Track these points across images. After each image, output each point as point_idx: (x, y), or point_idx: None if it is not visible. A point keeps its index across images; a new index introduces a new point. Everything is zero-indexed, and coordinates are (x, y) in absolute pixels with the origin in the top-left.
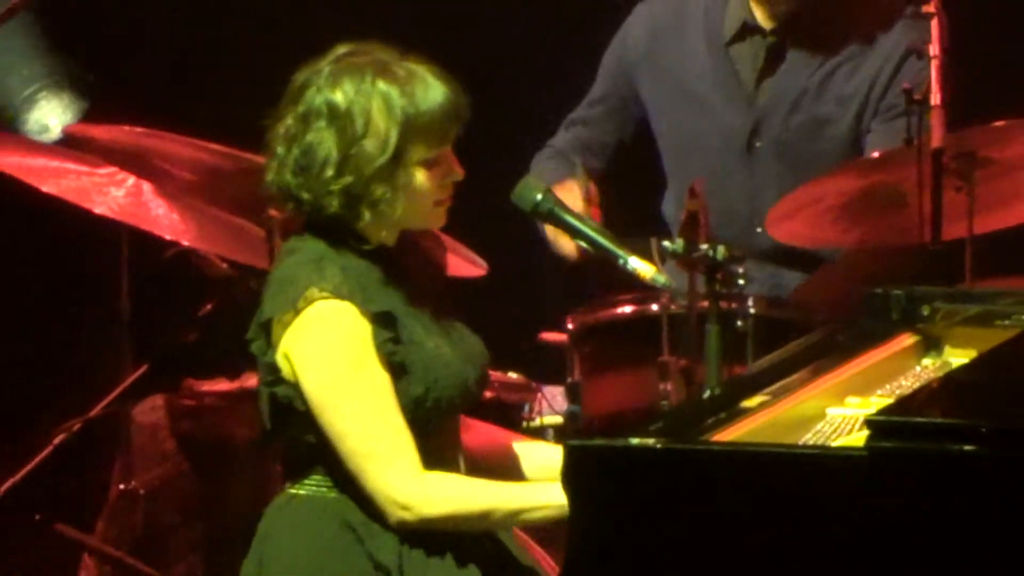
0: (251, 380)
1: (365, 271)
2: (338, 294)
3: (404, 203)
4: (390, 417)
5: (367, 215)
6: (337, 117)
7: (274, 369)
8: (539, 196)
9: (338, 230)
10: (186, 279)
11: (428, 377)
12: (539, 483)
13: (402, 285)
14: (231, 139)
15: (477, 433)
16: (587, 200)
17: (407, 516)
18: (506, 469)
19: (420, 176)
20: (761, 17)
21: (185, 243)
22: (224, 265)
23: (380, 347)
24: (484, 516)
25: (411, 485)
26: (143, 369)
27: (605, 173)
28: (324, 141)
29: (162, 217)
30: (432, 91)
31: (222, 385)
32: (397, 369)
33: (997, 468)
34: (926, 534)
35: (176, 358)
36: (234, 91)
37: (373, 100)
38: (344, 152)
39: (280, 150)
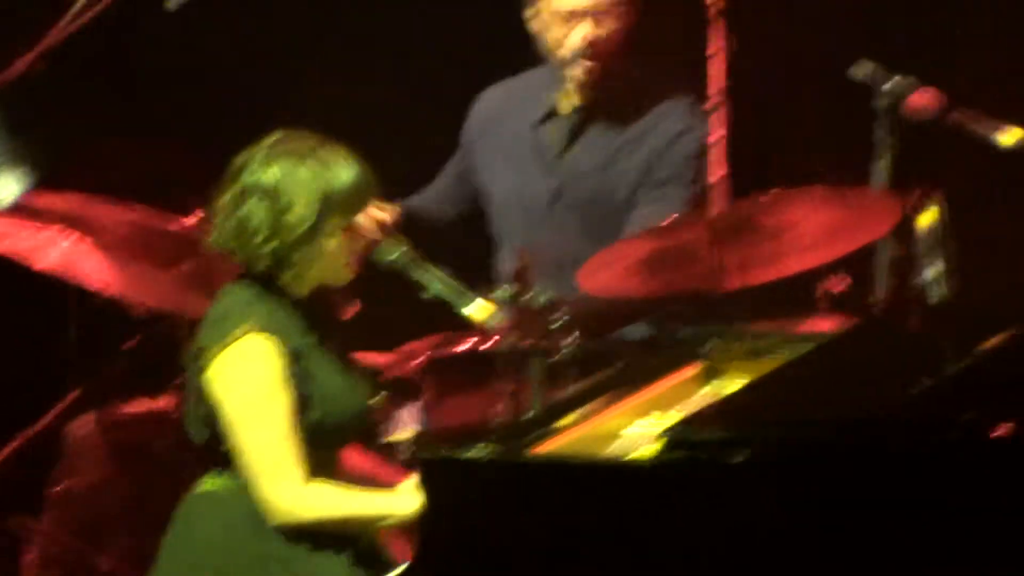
0: (164, 402)
1: (286, 315)
2: (265, 330)
3: (320, 264)
4: (283, 437)
5: (289, 273)
6: (267, 194)
7: (201, 388)
8: (396, 253)
9: (265, 282)
10: (114, 320)
11: (327, 407)
12: (394, 495)
13: (314, 329)
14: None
15: (358, 457)
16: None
17: (286, 519)
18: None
19: (335, 242)
20: (565, 104)
21: (114, 291)
22: (145, 309)
23: (291, 378)
24: (350, 521)
25: (290, 495)
26: (77, 393)
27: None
28: (256, 213)
29: (94, 270)
30: (346, 172)
31: (142, 405)
32: (302, 398)
33: (765, 474)
34: (713, 537)
35: (106, 384)
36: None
37: (299, 179)
38: (272, 222)
39: (220, 218)
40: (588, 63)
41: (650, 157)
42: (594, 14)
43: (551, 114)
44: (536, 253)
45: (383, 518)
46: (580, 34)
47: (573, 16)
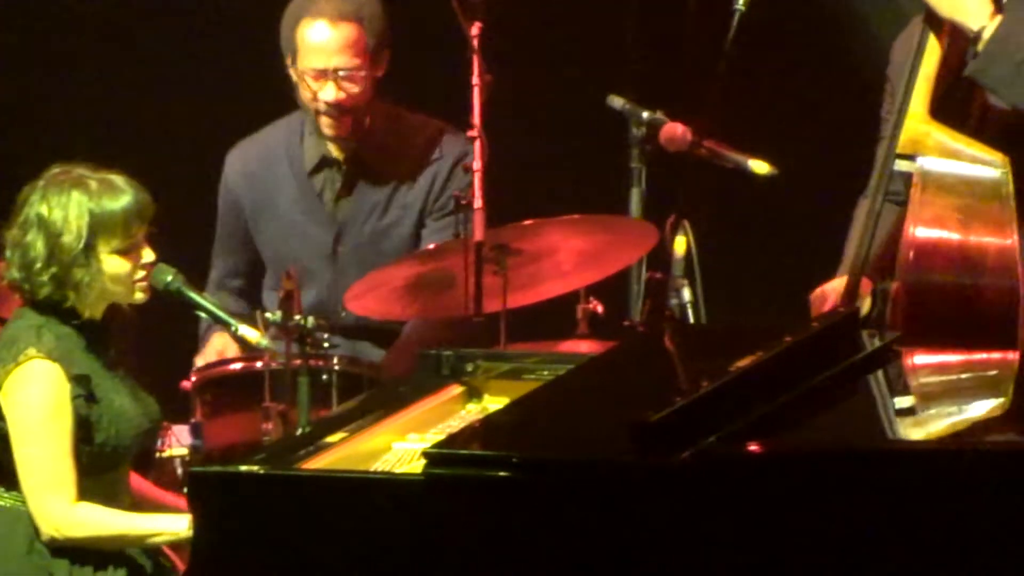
0: None
1: (74, 339)
2: (50, 356)
3: (102, 283)
4: (57, 458)
5: (72, 295)
6: (43, 223)
7: None
8: (169, 277)
9: (52, 308)
10: None
11: (111, 428)
12: (163, 514)
13: (102, 352)
14: None
15: (142, 485)
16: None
17: (55, 535)
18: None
19: (113, 262)
20: (335, 151)
21: None
22: None
23: (74, 401)
24: (117, 539)
25: (61, 512)
26: None
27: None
28: (35, 243)
29: None
30: (119, 196)
31: None
32: (85, 420)
33: (526, 490)
34: (474, 547)
35: None
36: None
37: (69, 206)
38: (49, 248)
39: (8, 253)
40: (333, 120)
41: (431, 188)
42: (336, 77)
43: (323, 163)
44: (316, 294)
45: (150, 537)
46: (326, 95)
47: (320, 76)
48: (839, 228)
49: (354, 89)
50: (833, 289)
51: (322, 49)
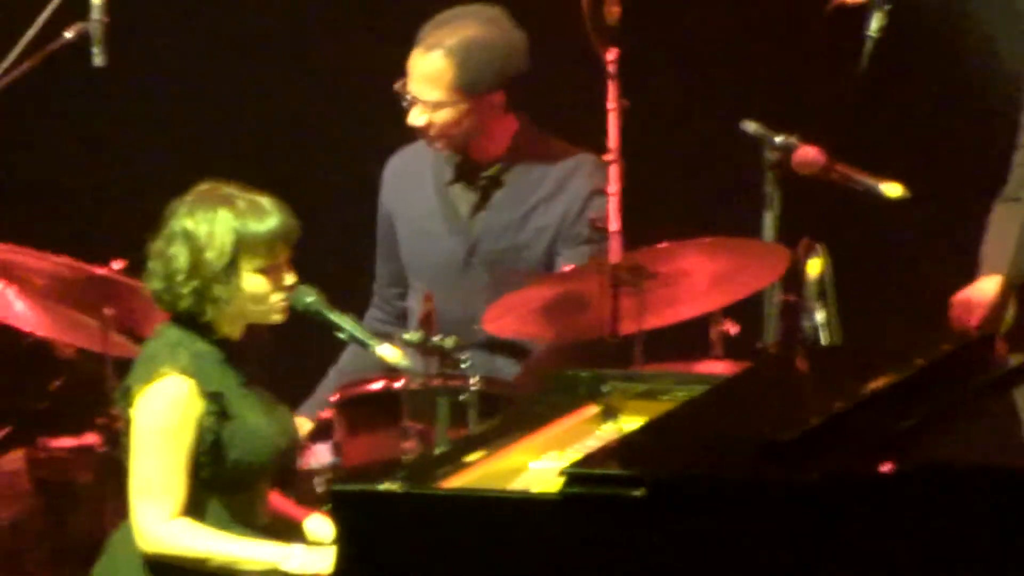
0: (89, 438)
1: (210, 357)
2: (184, 372)
3: (241, 301)
4: (167, 472)
5: (210, 310)
6: (188, 237)
7: (128, 422)
8: (310, 299)
9: (191, 323)
10: (40, 360)
11: (245, 446)
12: (258, 542)
13: (239, 369)
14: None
15: (283, 503)
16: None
17: (146, 548)
18: (294, 528)
19: (254, 281)
20: (468, 163)
21: (40, 333)
22: (70, 350)
23: (207, 418)
24: (204, 561)
25: (154, 525)
26: (7, 430)
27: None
28: (178, 255)
29: (21, 314)
30: (265, 218)
31: (67, 441)
32: (217, 438)
33: (661, 509)
34: (610, 566)
35: (33, 421)
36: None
37: (215, 222)
38: (192, 261)
39: (151, 264)
40: (434, 140)
41: (565, 213)
42: (423, 104)
43: (461, 175)
44: (448, 307)
45: (241, 564)
46: (409, 118)
47: (412, 103)
48: (970, 247)
49: (434, 119)
50: (977, 293)
51: (411, 75)
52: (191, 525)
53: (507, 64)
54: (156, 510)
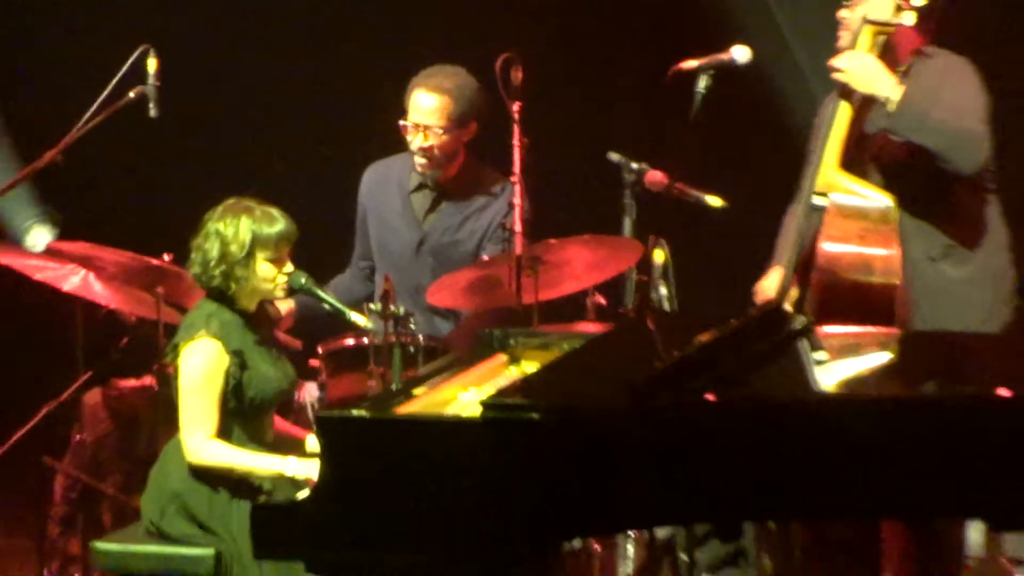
0: (147, 380)
1: (234, 323)
2: (215, 336)
3: (256, 281)
4: (205, 406)
5: (234, 286)
6: (219, 235)
7: (176, 370)
8: (303, 280)
9: (220, 297)
10: (112, 324)
11: (258, 387)
12: (267, 456)
13: (254, 331)
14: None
15: (287, 425)
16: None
17: (191, 459)
18: (298, 444)
19: (265, 267)
20: (431, 180)
21: (112, 306)
22: (133, 318)
23: (230, 368)
24: (231, 470)
25: (198, 443)
26: (89, 374)
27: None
28: (212, 248)
29: (99, 292)
30: (275, 223)
31: (132, 382)
32: (239, 382)
33: (553, 428)
34: (516, 469)
35: (107, 367)
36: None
37: (239, 225)
38: (220, 252)
39: (192, 255)
40: (423, 161)
41: (491, 221)
42: (424, 130)
43: (420, 187)
44: (402, 283)
45: (257, 472)
46: (417, 143)
47: (415, 129)
48: (771, 240)
49: (436, 142)
50: (768, 281)
51: (419, 110)
52: (223, 444)
53: (480, 104)
54: (199, 432)
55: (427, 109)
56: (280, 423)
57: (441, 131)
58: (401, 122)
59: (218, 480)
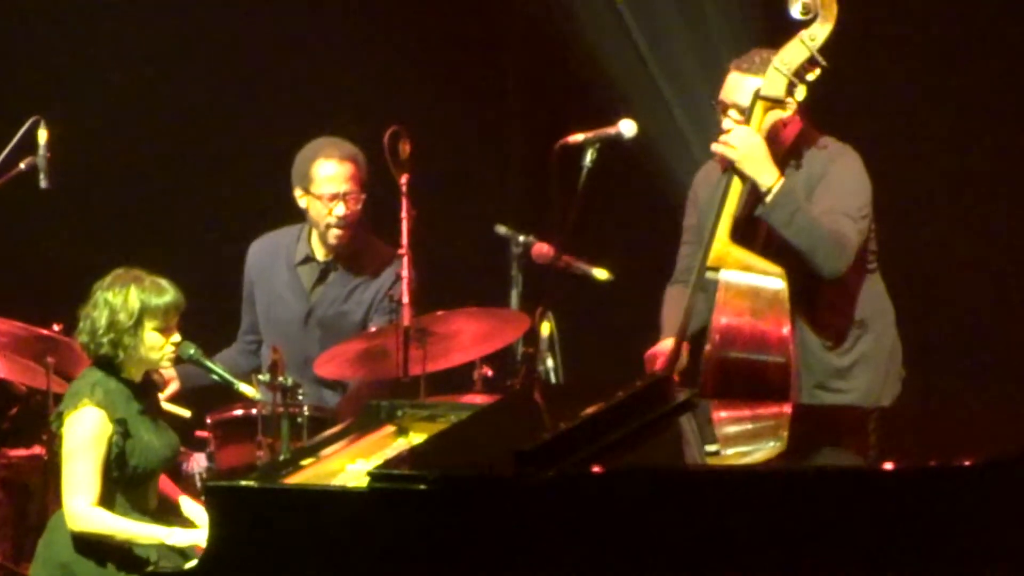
0: (36, 449)
1: (118, 392)
2: (99, 405)
3: (143, 351)
4: (88, 473)
5: (121, 355)
6: (107, 304)
7: (60, 438)
8: (192, 350)
9: (107, 365)
10: (2, 395)
11: (141, 456)
12: (149, 525)
13: (139, 400)
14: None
15: (165, 485)
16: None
17: (73, 526)
18: (173, 506)
19: (153, 336)
20: (318, 253)
21: (1, 375)
22: (23, 388)
23: (114, 436)
24: (113, 537)
25: (80, 510)
26: None
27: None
28: (100, 316)
29: None
30: (163, 294)
31: (22, 452)
32: (122, 451)
33: (438, 498)
34: (403, 539)
35: None
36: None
37: (128, 295)
38: (109, 320)
39: (81, 323)
40: (340, 231)
41: (378, 292)
42: (344, 197)
43: (307, 259)
44: (290, 354)
45: (139, 539)
46: (338, 212)
47: (333, 199)
48: (657, 311)
49: (356, 207)
50: (659, 349)
51: (334, 178)
52: (104, 512)
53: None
54: (81, 499)
55: (343, 177)
56: (169, 487)
57: (358, 197)
58: (307, 196)
59: (105, 550)
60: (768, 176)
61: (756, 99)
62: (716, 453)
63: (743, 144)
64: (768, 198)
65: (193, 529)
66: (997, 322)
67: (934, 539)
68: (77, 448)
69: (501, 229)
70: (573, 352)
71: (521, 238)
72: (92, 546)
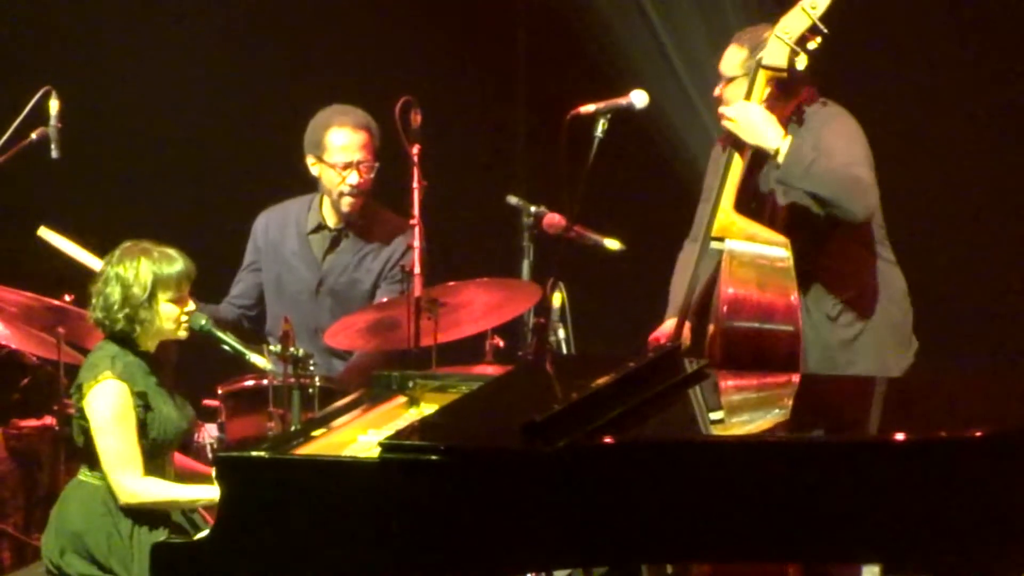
0: (47, 420)
1: (136, 365)
2: (119, 377)
3: (158, 323)
4: (127, 447)
5: (137, 329)
6: (119, 279)
7: (80, 410)
8: (203, 321)
9: (123, 340)
10: (13, 365)
11: (159, 428)
12: (201, 486)
13: (155, 373)
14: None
15: (180, 459)
16: None
17: (128, 500)
18: (198, 479)
19: (167, 308)
20: (329, 221)
21: (12, 346)
22: (34, 359)
23: (135, 408)
24: (170, 503)
25: (131, 484)
26: None
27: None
28: (113, 292)
29: (1, 333)
30: (173, 263)
31: (33, 422)
32: (143, 422)
33: (449, 469)
34: (413, 509)
35: (8, 408)
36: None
37: (140, 267)
38: (123, 295)
39: (93, 300)
40: (353, 199)
41: (388, 261)
42: (358, 166)
43: (319, 227)
44: (300, 324)
45: (192, 502)
46: (352, 180)
47: (347, 167)
48: (668, 282)
49: (369, 176)
50: (663, 329)
51: (347, 147)
52: (155, 480)
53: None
54: (128, 474)
55: (356, 145)
56: (183, 460)
57: (371, 166)
58: (319, 164)
59: (118, 520)
60: (774, 139)
61: (758, 68)
62: (722, 422)
63: (740, 115)
64: (780, 158)
65: None
66: (1000, 310)
67: (942, 511)
68: (108, 422)
69: (512, 200)
70: (584, 322)
71: (532, 208)
72: (107, 516)
